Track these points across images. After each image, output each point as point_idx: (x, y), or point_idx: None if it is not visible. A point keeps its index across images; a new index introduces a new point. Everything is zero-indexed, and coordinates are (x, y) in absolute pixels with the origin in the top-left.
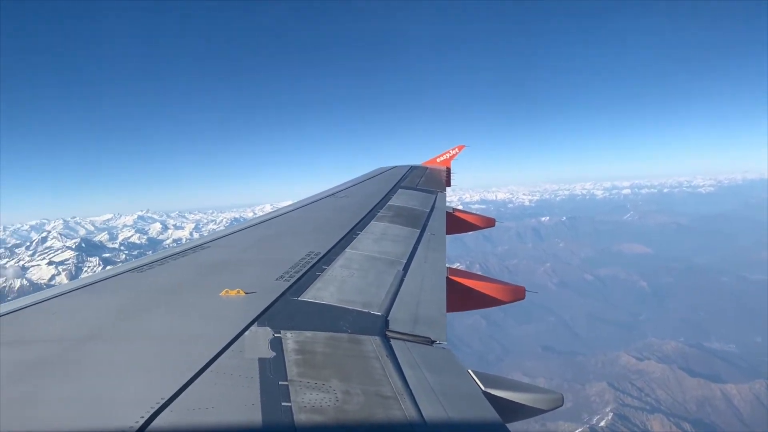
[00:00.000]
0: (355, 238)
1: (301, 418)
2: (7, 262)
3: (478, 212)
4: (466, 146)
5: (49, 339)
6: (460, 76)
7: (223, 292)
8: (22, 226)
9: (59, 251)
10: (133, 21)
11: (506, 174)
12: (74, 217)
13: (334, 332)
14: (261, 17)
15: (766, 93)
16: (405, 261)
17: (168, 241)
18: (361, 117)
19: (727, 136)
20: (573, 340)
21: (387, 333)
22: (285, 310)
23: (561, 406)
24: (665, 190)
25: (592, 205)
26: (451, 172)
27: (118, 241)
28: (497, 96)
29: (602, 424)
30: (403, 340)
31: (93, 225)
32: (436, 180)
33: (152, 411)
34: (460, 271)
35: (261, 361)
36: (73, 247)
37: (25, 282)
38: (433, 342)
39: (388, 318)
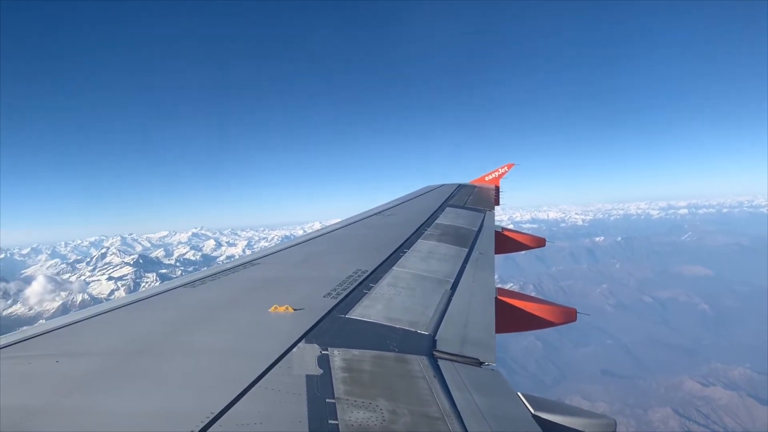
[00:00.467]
0: (402, 256)
1: None
2: (69, 276)
3: (529, 231)
4: (516, 164)
5: (103, 352)
6: (511, 95)
7: (272, 308)
8: (82, 242)
9: (118, 267)
10: (196, 45)
11: (557, 193)
12: (131, 234)
13: (381, 351)
14: (324, 38)
15: None
16: (452, 280)
17: (221, 258)
18: (410, 135)
19: None
20: (633, 364)
21: (434, 353)
22: (332, 328)
23: (614, 431)
24: (724, 210)
25: (648, 226)
26: (500, 190)
27: (173, 258)
28: (549, 114)
29: None
30: (451, 360)
31: (149, 242)
32: (484, 199)
33: (202, 426)
34: (508, 291)
35: (308, 378)
36: (131, 263)
37: (86, 296)
38: (481, 363)
39: (436, 338)
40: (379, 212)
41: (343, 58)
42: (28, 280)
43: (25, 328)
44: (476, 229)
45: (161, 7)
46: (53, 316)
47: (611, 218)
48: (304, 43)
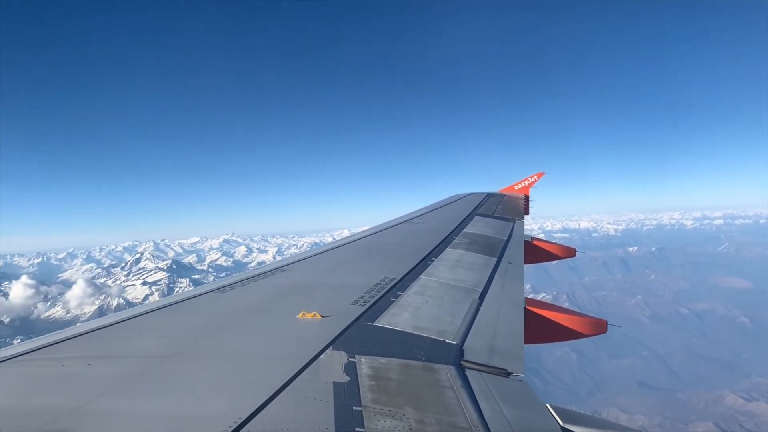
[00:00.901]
0: (429, 264)
1: None
2: (106, 281)
3: (560, 241)
4: (546, 173)
5: (134, 355)
6: (542, 104)
7: (300, 314)
8: (116, 247)
9: (152, 272)
10: (221, 51)
11: (588, 202)
12: (164, 240)
13: (409, 359)
14: (358, 45)
15: None
16: (481, 290)
17: (252, 264)
18: (440, 144)
19: None
20: (670, 377)
21: (462, 362)
22: (360, 335)
23: None
24: (761, 221)
25: (682, 236)
26: (530, 199)
27: (206, 263)
28: (580, 123)
29: None
30: (479, 370)
31: (182, 247)
32: (513, 207)
33: (230, 431)
34: (538, 301)
35: (336, 385)
36: (165, 268)
37: (122, 301)
38: (509, 374)
39: (463, 347)
40: (408, 220)
41: (381, 65)
42: (67, 284)
43: (60, 330)
44: (505, 239)
45: (198, 8)
46: (90, 319)
47: (644, 228)
48: (337, 49)
